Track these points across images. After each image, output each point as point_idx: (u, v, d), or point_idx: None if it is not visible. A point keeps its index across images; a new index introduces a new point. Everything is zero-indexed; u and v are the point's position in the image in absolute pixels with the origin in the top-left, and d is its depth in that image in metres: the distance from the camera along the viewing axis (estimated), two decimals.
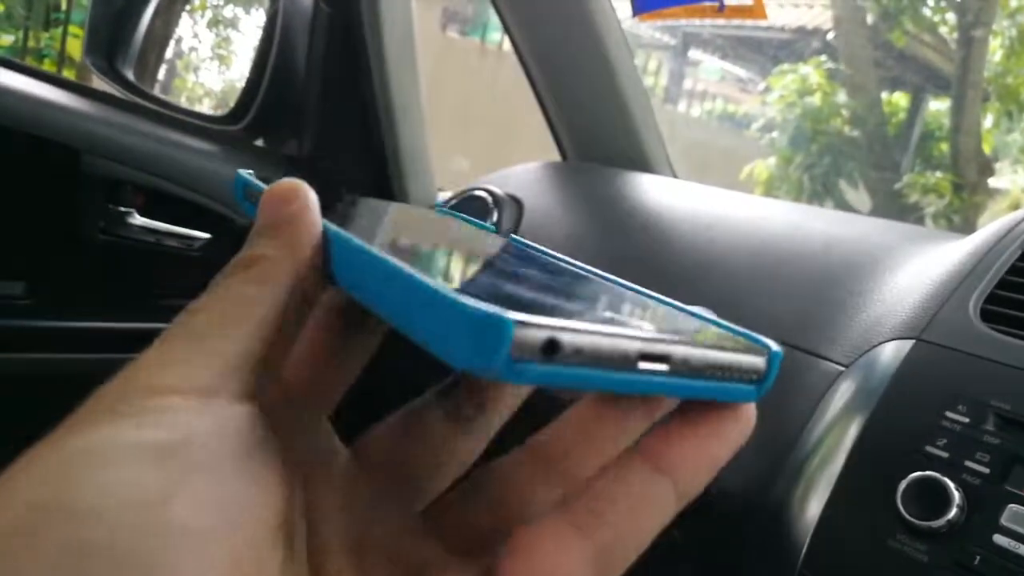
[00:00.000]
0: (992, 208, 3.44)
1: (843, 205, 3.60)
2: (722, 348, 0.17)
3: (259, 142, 0.83)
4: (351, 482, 0.20)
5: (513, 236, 0.25)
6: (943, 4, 3.80)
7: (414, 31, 0.81)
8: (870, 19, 3.72)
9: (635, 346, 0.15)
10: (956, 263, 0.52)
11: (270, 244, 0.18)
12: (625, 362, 0.15)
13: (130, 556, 0.12)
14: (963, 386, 0.41)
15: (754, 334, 0.18)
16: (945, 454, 0.39)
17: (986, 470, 0.38)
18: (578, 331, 0.15)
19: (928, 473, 0.38)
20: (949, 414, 0.40)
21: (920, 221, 3.34)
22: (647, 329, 0.16)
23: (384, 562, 0.18)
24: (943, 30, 3.80)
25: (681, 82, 4.56)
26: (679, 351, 0.16)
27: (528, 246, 0.24)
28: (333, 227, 0.18)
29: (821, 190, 3.62)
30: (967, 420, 0.40)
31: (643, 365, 0.15)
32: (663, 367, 0.16)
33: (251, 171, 0.24)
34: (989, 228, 0.56)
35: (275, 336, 0.17)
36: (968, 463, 0.38)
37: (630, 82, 0.87)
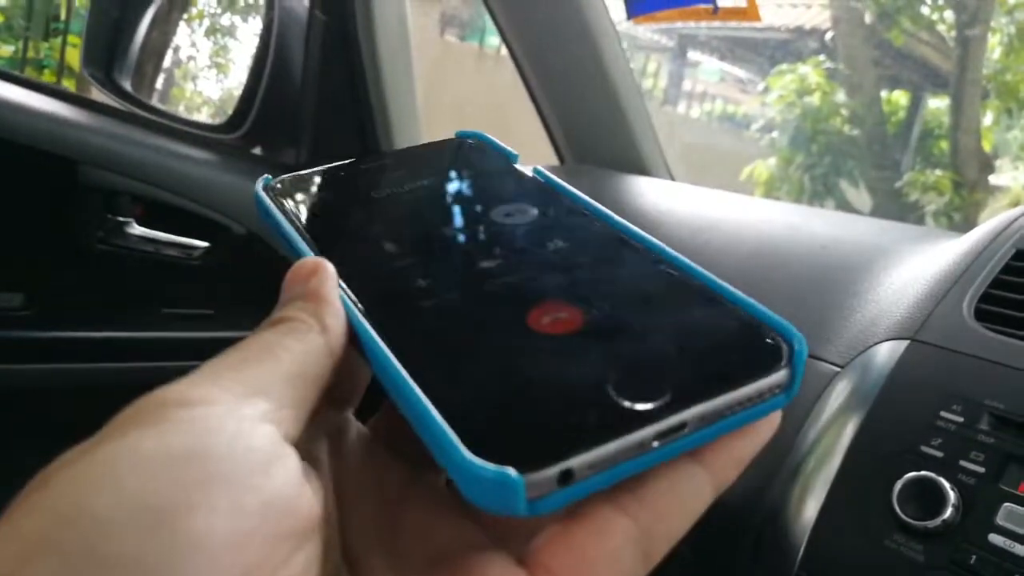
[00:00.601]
0: (992, 205, 3.43)
1: (844, 204, 3.59)
2: (740, 381, 0.16)
3: (257, 150, 0.83)
4: (377, 468, 0.20)
5: (538, 169, 0.24)
6: (940, 2, 3.80)
7: (409, 38, 0.82)
8: (868, 18, 3.72)
9: (648, 432, 0.15)
10: (950, 263, 0.52)
11: (297, 307, 0.19)
12: (641, 449, 0.15)
13: (145, 565, 0.12)
14: (958, 386, 0.41)
15: (780, 321, 0.17)
16: (940, 454, 0.39)
17: (981, 469, 0.38)
18: (587, 447, 0.14)
19: (923, 473, 0.38)
20: (944, 414, 0.40)
21: (921, 220, 3.33)
22: (661, 386, 0.16)
23: (420, 547, 0.18)
24: (941, 28, 3.80)
25: (680, 83, 4.56)
26: (694, 413, 0.15)
27: (552, 184, 0.23)
28: (351, 305, 0.19)
29: (822, 190, 3.61)
30: (962, 420, 0.40)
31: (659, 443, 0.15)
32: (683, 431, 0.15)
33: (267, 176, 0.24)
34: (983, 227, 0.56)
35: (302, 385, 0.17)
36: (963, 462, 0.38)
37: (625, 84, 0.88)
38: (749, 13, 0.84)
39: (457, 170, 0.25)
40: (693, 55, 4.63)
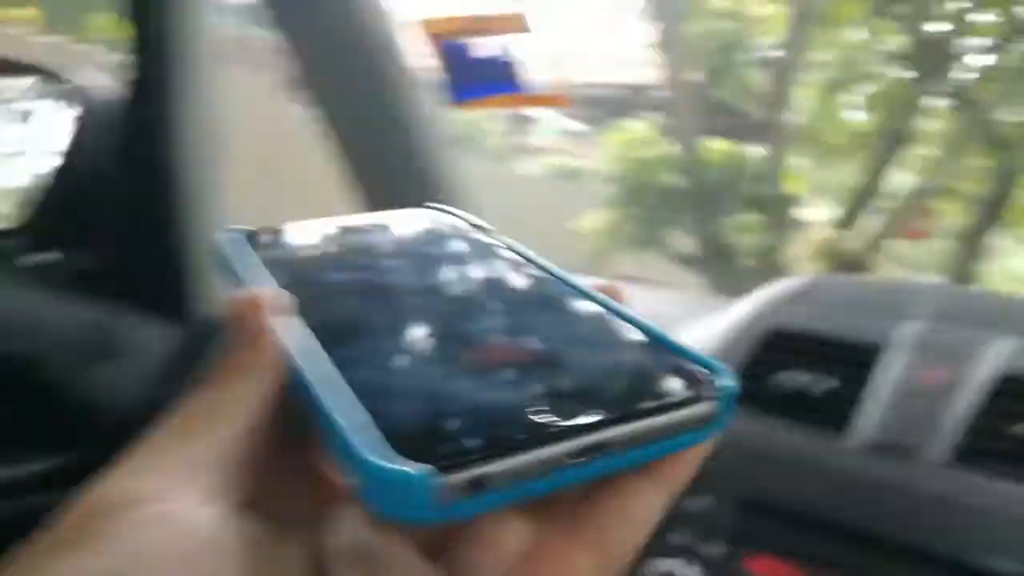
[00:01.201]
0: (799, 239, 3.86)
1: (669, 252, 3.91)
2: (666, 408, 0.16)
3: (40, 255, 0.77)
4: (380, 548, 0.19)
5: (495, 233, 0.25)
6: (757, 62, 4.27)
7: (222, 127, 0.78)
8: (695, 77, 4.08)
9: (567, 448, 0.15)
10: (712, 340, 0.56)
11: (238, 352, 0.18)
12: (560, 464, 0.15)
13: None
14: (706, 470, 0.45)
15: (708, 359, 0.18)
16: (686, 540, 0.42)
17: (724, 550, 0.41)
18: (504, 455, 0.14)
19: (668, 561, 0.41)
20: (692, 500, 0.43)
21: (738, 260, 3.70)
22: (582, 408, 0.16)
23: None
24: (758, 83, 4.24)
25: (521, 139, 4.75)
26: (617, 435, 0.16)
27: (508, 245, 0.24)
28: (292, 342, 0.18)
29: (649, 238, 3.88)
30: (708, 505, 0.43)
31: (573, 461, 0.15)
32: (600, 453, 0.16)
33: (227, 227, 0.23)
34: (742, 305, 0.61)
35: (249, 439, 0.17)
36: (706, 548, 0.41)
37: (428, 139, 0.86)
38: (559, 100, 0.91)
39: (419, 231, 0.26)
40: (533, 111, 4.85)
